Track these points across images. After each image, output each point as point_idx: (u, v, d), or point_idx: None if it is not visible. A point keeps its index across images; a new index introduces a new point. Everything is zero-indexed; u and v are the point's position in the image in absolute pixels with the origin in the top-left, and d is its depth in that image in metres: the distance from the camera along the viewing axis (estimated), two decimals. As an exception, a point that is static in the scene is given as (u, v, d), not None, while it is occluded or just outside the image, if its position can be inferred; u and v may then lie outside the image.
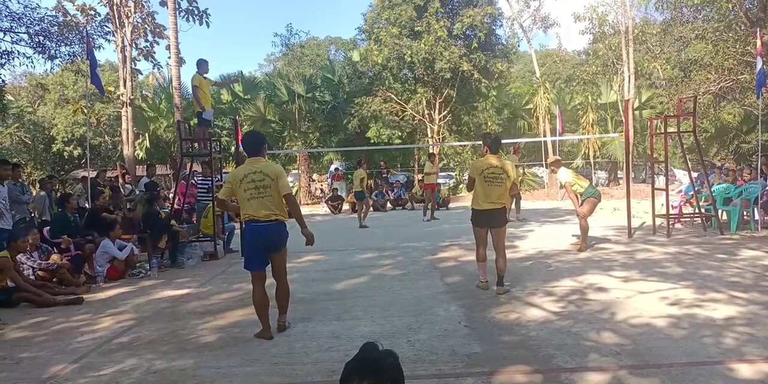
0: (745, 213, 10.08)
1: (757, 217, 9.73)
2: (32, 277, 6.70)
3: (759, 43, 10.33)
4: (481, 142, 6.32)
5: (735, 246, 8.16)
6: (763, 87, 10.64)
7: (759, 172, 10.32)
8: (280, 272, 4.62)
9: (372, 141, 23.38)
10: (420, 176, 22.33)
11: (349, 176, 24.73)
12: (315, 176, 27.47)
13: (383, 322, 4.86)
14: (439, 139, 22.73)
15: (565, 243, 8.89)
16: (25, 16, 14.01)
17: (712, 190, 10.21)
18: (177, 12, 17.78)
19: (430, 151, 18.79)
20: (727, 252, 7.63)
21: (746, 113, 23.19)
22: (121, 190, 11.76)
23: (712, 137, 26.20)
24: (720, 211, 10.17)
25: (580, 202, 8.20)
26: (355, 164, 21.74)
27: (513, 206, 13.17)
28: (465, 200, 17.63)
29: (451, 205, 18.40)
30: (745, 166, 13.18)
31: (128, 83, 18.36)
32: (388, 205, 18.68)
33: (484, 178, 5.70)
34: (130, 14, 18.45)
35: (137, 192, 11.90)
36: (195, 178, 10.66)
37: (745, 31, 16.09)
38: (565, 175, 8.30)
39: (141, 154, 24.12)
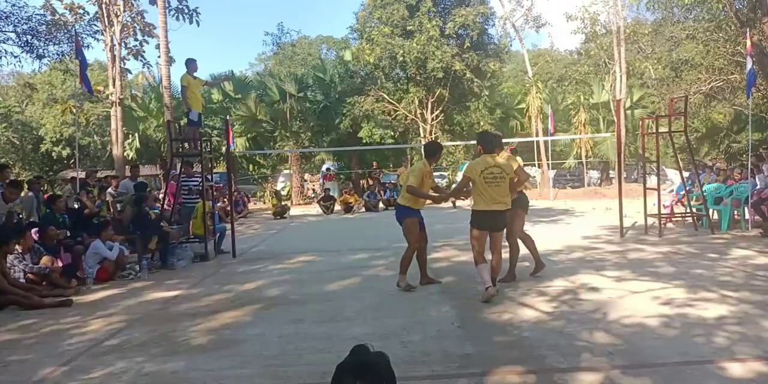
0: (735, 212, 10.14)
1: (747, 216, 9.79)
2: (22, 280, 6.61)
3: (749, 43, 10.37)
4: (474, 142, 6.20)
5: (726, 245, 8.21)
6: (753, 87, 10.71)
7: (749, 171, 10.38)
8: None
9: (364, 141, 23.31)
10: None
11: (341, 176, 24.70)
12: (307, 176, 27.37)
13: (376, 323, 4.84)
14: (431, 138, 22.71)
15: (558, 243, 8.89)
16: (13, 14, 13.90)
17: (703, 189, 10.27)
18: (167, 10, 17.62)
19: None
20: (719, 251, 7.67)
21: (737, 113, 23.39)
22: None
23: (703, 137, 26.40)
24: (711, 211, 10.22)
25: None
26: (348, 164, 21.63)
27: None
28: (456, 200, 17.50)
29: (443, 204, 18.37)
30: (736, 165, 13.26)
31: (117, 82, 18.18)
32: (381, 205, 18.64)
33: (483, 179, 5.45)
34: (119, 13, 18.26)
35: (115, 194, 11.59)
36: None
37: (735, 31, 16.18)
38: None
39: (131, 154, 23.94)
